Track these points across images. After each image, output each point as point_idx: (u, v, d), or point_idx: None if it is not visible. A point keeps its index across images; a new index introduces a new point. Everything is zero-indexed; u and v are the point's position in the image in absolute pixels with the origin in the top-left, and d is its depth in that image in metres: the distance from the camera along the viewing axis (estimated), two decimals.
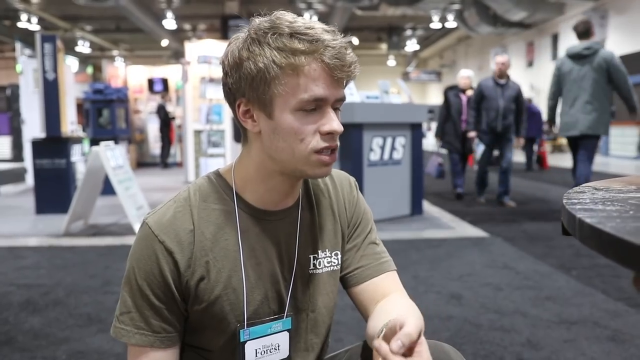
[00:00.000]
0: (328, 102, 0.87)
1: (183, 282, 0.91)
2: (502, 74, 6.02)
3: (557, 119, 5.04)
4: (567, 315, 2.65)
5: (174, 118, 12.08)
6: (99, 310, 2.78)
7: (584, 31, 4.69)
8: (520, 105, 6.04)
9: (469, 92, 6.67)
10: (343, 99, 0.90)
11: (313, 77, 0.84)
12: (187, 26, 20.66)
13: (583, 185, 0.98)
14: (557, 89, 4.90)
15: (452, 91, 6.83)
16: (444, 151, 7.28)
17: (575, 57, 4.66)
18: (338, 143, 0.91)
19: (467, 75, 6.95)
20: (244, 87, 0.88)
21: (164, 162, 11.99)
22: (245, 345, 0.94)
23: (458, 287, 3.13)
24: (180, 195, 0.96)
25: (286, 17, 0.87)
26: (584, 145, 4.77)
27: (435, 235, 4.60)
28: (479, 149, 6.56)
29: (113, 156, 4.70)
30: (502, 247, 4.15)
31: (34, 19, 17.40)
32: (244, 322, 0.94)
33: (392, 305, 0.98)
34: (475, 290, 3.05)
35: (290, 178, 0.94)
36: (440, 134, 6.99)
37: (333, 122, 0.87)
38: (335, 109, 0.90)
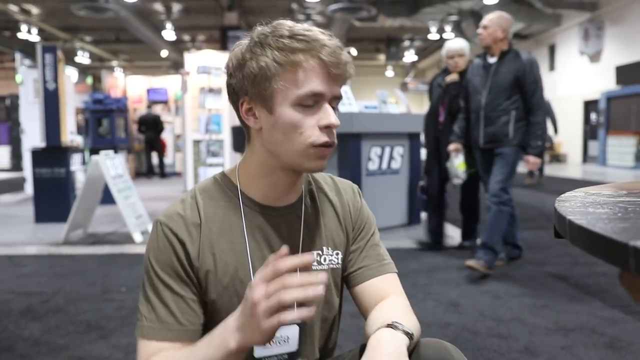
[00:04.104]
0: (325, 98, 0.93)
1: (195, 272, 0.95)
2: (490, 46, 3.53)
3: None
4: (564, 322, 2.67)
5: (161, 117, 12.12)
6: (99, 317, 2.79)
7: None
8: (528, 95, 3.42)
9: (452, 78, 4.13)
10: (339, 97, 0.95)
11: (311, 73, 0.90)
12: (186, 37, 20.75)
13: (576, 190, 1.01)
14: None
15: (440, 77, 4.36)
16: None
17: None
18: (335, 140, 0.96)
19: (456, 48, 4.10)
20: (247, 85, 0.94)
21: (162, 172, 12.02)
22: None
23: (456, 295, 3.14)
24: (187, 194, 1.01)
25: (287, 23, 0.93)
26: None
27: None
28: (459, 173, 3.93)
29: (113, 165, 4.73)
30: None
31: (34, 30, 17.45)
32: None
33: (389, 306, 1.01)
34: (473, 298, 3.07)
35: (290, 173, 0.98)
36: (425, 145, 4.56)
37: (331, 116, 0.93)
38: (333, 108, 0.95)
